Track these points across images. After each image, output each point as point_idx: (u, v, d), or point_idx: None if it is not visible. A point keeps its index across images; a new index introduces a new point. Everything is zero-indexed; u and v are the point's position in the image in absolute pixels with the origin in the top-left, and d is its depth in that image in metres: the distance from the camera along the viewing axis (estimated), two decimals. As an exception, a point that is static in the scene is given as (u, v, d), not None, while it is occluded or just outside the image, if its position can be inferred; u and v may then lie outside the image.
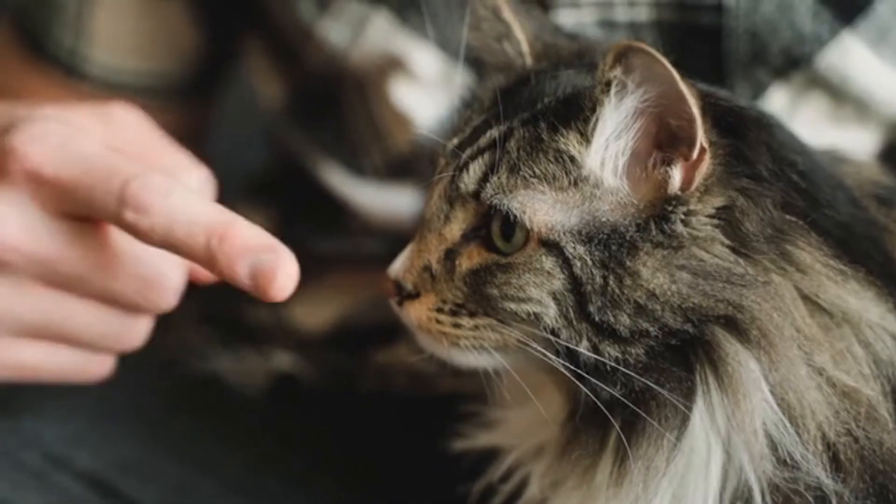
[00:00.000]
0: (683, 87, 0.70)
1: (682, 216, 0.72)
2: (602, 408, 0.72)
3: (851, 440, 0.72)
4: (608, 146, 0.72)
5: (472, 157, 0.75)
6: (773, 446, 0.71)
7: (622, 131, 0.72)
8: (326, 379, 1.05)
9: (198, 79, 1.11)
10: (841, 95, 0.92)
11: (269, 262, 0.73)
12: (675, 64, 0.70)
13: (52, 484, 0.90)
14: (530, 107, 0.76)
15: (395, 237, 1.02)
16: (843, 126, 0.92)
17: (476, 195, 0.74)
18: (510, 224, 0.73)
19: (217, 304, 1.12)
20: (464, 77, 0.86)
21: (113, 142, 0.81)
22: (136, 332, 0.83)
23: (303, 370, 1.06)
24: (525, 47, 0.81)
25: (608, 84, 0.71)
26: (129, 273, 0.80)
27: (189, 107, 1.11)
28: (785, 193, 0.73)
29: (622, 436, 0.72)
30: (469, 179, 0.75)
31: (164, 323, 1.12)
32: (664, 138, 0.72)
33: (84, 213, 0.78)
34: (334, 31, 0.99)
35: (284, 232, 1.09)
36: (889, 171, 0.82)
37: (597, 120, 0.72)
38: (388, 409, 1.01)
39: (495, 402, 0.81)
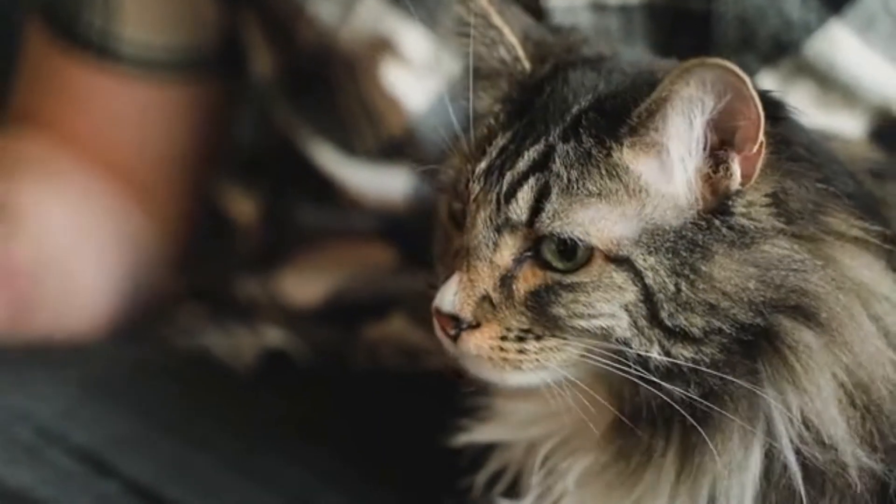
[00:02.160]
0: (753, 91, 0.70)
1: (743, 208, 0.72)
2: (676, 406, 0.72)
3: (882, 415, 0.73)
4: (670, 155, 0.72)
5: (517, 184, 0.73)
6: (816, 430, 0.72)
7: (686, 141, 0.72)
8: (317, 355, 1.05)
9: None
10: (828, 82, 0.92)
11: None
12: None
13: (45, 459, 0.90)
14: (560, 119, 0.74)
15: (387, 214, 1.03)
16: (830, 112, 0.92)
17: (529, 224, 0.73)
18: (570, 245, 0.72)
19: (206, 279, 1.13)
20: (453, 63, 0.85)
21: None
22: None
23: (293, 346, 1.06)
24: (520, 52, 0.79)
25: (672, 100, 0.70)
26: None
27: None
28: (816, 169, 0.73)
29: (701, 432, 0.72)
30: (520, 209, 0.73)
31: (154, 298, 1.14)
32: (718, 136, 0.72)
33: None
34: (325, 9, 0.98)
35: (274, 205, 1.12)
36: (876, 148, 0.82)
37: (659, 133, 0.72)
38: (381, 385, 1.00)
39: (496, 393, 0.80)
